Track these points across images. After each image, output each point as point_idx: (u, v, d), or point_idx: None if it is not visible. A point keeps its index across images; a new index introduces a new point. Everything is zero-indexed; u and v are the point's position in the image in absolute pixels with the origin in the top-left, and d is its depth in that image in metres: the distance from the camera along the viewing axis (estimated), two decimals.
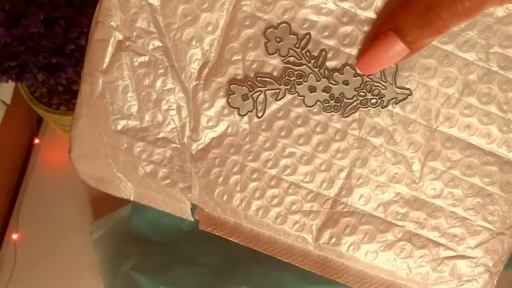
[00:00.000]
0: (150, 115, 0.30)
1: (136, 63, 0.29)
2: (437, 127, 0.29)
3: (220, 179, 0.31)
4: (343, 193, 0.31)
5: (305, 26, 0.28)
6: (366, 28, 0.27)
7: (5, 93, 0.64)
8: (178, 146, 0.30)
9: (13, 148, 0.71)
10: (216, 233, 0.32)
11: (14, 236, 0.64)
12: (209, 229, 0.32)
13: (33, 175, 0.68)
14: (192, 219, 0.32)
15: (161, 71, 0.29)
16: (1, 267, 0.63)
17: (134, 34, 0.28)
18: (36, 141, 0.70)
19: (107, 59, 0.29)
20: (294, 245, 0.32)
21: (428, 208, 0.31)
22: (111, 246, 0.62)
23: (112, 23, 0.28)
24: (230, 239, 0.33)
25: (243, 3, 0.27)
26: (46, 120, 0.70)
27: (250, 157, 0.30)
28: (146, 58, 0.29)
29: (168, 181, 0.31)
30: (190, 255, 0.60)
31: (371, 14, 0.27)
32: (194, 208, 0.32)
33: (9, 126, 0.66)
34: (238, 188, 0.31)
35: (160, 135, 0.30)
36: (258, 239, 0.33)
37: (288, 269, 0.57)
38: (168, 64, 0.29)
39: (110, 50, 0.29)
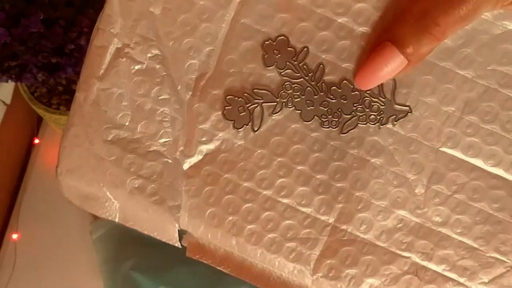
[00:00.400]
0: (143, 126, 0.29)
1: (133, 71, 0.28)
2: (440, 147, 0.28)
3: (212, 199, 0.29)
4: (342, 218, 0.29)
5: (303, 39, 0.27)
6: (363, 43, 0.27)
7: (5, 93, 0.64)
8: (170, 161, 0.29)
9: (13, 148, 0.71)
10: (204, 261, 0.30)
11: (14, 236, 0.64)
12: (197, 257, 0.30)
13: (33, 175, 0.68)
14: (180, 246, 0.30)
15: (158, 80, 0.28)
16: (1, 267, 0.63)
17: (133, 41, 0.28)
18: (36, 141, 0.70)
19: (104, 66, 0.28)
20: (290, 279, 0.30)
21: (434, 237, 0.29)
22: (111, 246, 0.62)
23: (112, 30, 0.28)
24: (219, 268, 0.30)
25: (242, 15, 0.27)
26: (46, 120, 0.70)
27: (244, 176, 0.29)
28: (144, 66, 0.28)
29: (156, 197, 0.29)
30: None
31: (368, 29, 0.27)
32: (182, 233, 0.30)
33: (9, 126, 0.66)
34: (230, 210, 0.29)
35: (152, 148, 0.29)
36: (250, 270, 0.30)
37: None
38: (165, 73, 0.28)
39: (108, 57, 0.28)
